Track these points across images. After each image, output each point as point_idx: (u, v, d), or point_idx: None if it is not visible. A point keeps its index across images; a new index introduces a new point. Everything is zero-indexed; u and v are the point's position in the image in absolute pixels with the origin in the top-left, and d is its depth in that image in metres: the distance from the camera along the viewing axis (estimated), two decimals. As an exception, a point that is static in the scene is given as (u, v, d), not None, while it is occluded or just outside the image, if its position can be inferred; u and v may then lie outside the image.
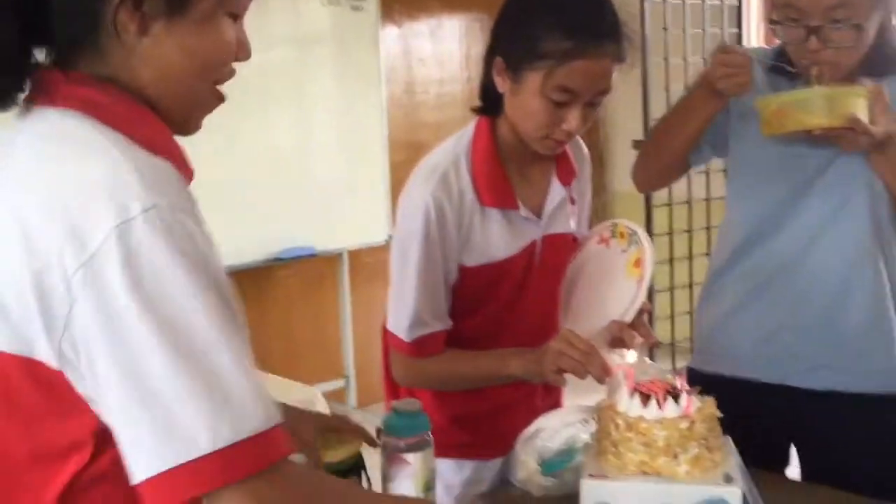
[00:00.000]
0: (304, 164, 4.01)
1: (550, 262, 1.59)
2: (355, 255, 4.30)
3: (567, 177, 1.61)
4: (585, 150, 1.71)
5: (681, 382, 1.27)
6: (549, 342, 1.45)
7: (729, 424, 1.29)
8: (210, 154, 3.58)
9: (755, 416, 1.60)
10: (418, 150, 4.74)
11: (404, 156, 4.51)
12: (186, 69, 0.89)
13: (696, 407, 1.23)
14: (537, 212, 1.57)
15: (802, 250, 1.63)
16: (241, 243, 3.71)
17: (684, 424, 1.20)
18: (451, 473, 1.60)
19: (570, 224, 1.64)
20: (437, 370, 1.56)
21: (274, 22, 3.83)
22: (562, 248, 1.61)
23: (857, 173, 1.59)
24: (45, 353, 0.78)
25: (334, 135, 4.06)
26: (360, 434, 1.33)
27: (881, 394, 1.63)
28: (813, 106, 1.51)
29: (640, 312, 1.50)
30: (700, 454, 1.20)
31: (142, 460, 0.76)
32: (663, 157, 1.76)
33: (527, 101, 1.44)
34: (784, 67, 1.62)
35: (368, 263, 4.44)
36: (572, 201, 1.64)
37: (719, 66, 1.58)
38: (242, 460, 0.76)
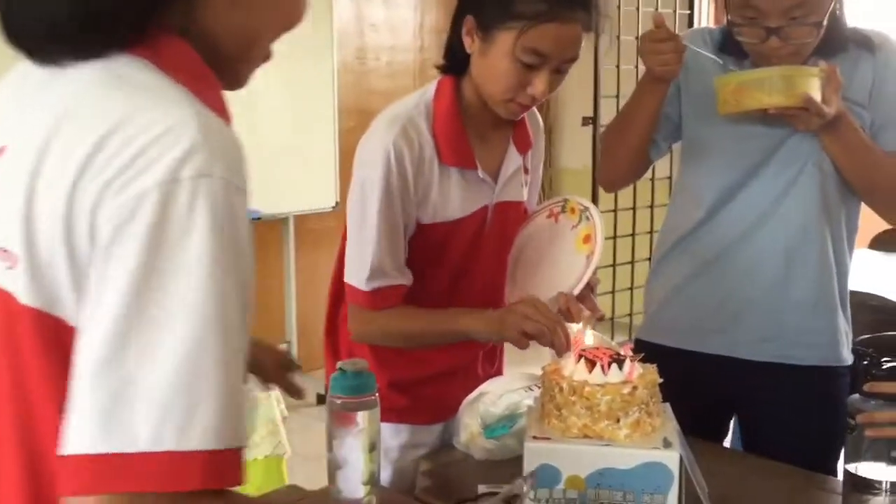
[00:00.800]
0: (252, 127, 3.96)
1: (501, 229, 1.60)
2: (302, 219, 4.28)
3: (523, 145, 1.62)
4: (541, 122, 1.72)
5: (625, 350, 1.30)
6: (514, 304, 1.45)
7: (672, 395, 1.32)
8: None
9: (698, 387, 1.64)
10: (368, 117, 4.63)
11: (354, 122, 4.48)
12: (267, 25, 0.87)
13: (639, 373, 1.27)
14: (493, 176, 1.58)
15: (751, 227, 1.67)
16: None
17: (626, 390, 1.23)
18: (389, 437, 1.59)
19: (523, 193, 1.65)
20: (392, 324, 1.54)
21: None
22: (512, 216, 1.63)
23: (807, 152, 1.63)
24: (67, 309, 0.72)
25: (283, 99, 4.01)
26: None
27: (822, 366, 1.69)
28: (770, 85, 1.54)
29: (587, 287, 1.52)
30: (640, 419, 1.23)
31: (77, 433, 0.68)
32: (623, 155, 1.77)
33: (495, 62, 1.44)
34: (734, 49, 1.66)
35: (315, 229, 4.42)
36: (525, 171, 1.65)
37: (648, 51, 1.60)
38: (179, 472, 0.68)
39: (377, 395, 1.22)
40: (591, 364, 1.26)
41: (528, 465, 1.22)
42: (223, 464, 0.69)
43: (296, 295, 4.23)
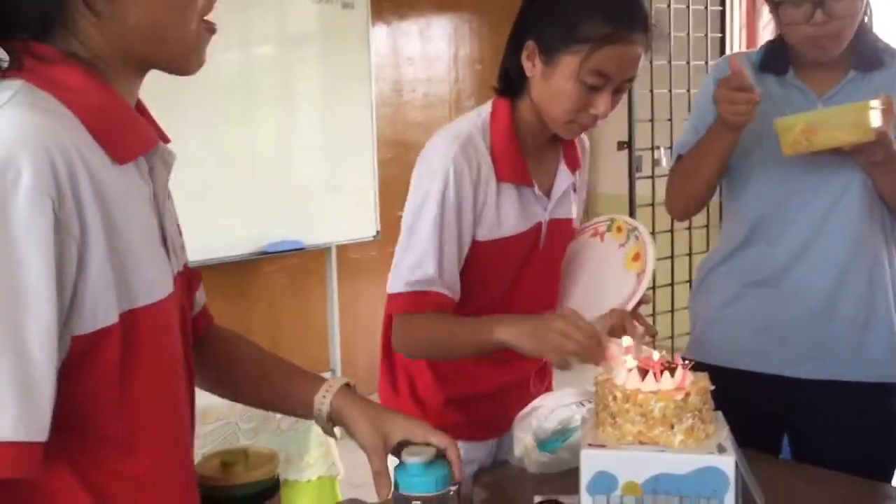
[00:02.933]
0: (294, 159, 4.05)
1: (552, 246, 1.64)
2: (343, 249, 4.34)
3: (573, 163, 1.67)
4: (588, 143, 1.77)
5: (675, 358, 1.32)
6: (549, 320, 1.44)
7: (722, 412, 1.34)
8: (202, 148, 3.64)
9: (748, 406, 1.65)
10: (406, 149, 4.84)
11: (392, 153, 4.56)
12: (166, 14, 0.89)
13: (691, 380, 1.29)
14: (546, 193, 1.62)
15: (800, 245, 1.69)
16: (229, 237, 3.75)
17: (679, 396, 1.25)
18: None
19: (573, 210, 1.70)
20: (431, 329, 1.53)
21: (265, 19, 3.88)
22: (563, 234, 1.67)
23: (851, 165, 1.64)
24: None
25: (323, 132, 4.11)
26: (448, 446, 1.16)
27: (875, 382, 1.68)
28: (844, 122, 1.55)
29: (638, 305, 1.55)
30: (694, 425, 1.25)
31: None
32: (694, 193, 1.81)
33: (559, 85, 1.48)
34: (775, 63, 1.69)
35: (356, 259, 4.48)
36: (574, 189, 1.70)
37: (723, 100, 1.62)
38: None
39: (455, 489, 1.10)
40: (644, 372, 1.29)
41: (585, 473, 1.25)
42: (17, 455, 0.76)
43: (339, 324, 4.29)
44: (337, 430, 2.44)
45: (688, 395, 1.26)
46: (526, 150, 1.59)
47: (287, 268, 4.29)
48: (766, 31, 4.66)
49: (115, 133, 0.87)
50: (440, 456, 1.09)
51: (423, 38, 4.82)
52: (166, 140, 0.98)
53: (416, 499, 1.05)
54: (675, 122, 4.08)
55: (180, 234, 1.08)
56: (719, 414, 1.35)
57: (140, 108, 0.98)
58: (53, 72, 0.84)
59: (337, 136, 4.12)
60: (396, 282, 1.54)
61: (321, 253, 4.23)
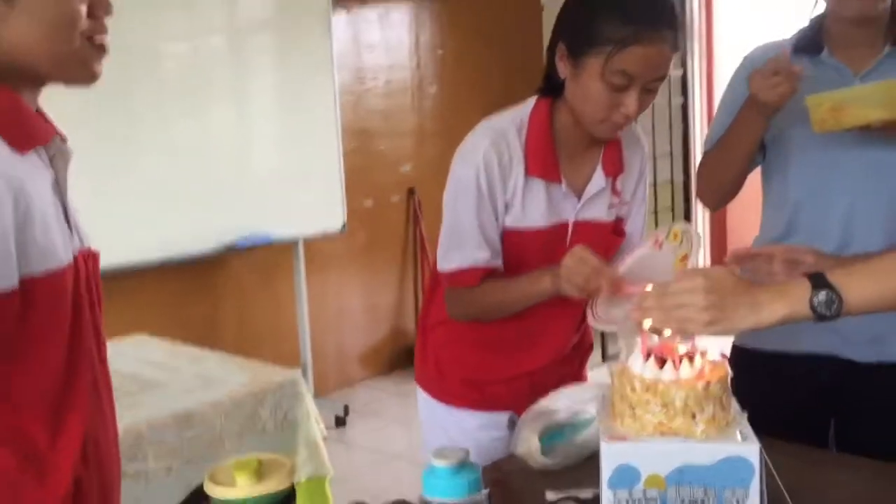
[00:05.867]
0: (255, 152, 3.97)
1: (581, 244, 1.64)
2: (310, 243, 4.27)
3: (612, 168, 1.68)
4: (646, 146, 1.77)
5: (691, 346, 1.29)
6: (564, 259, 1.52)
7: (769, 400, 1.31)
8: (166, 144, 3.55)
9: (794, 390, 1.63)
10: (368, 137, 4.77)
11: (355, 143, 4.49)
12: (45, 35, 1.00)
13: (710, 368, 1.26)
14: (578, 194, 1.65)
15: (840, 221, 1.68)
16: (196, 232, 3.67)
17: (701, 384, 1.22)
18: (467, 418, 1.74)
19: (609, 213, 1.70)
20: (480, 295, 1.65)
21: (220, 7, 3.80)
22: (595, 234, 1.67)
23: (884, 148, 1.63)
24: None
25: (285, 123, 4.03)
26: None
27: None
28: (873, 100, 1.55)
29: None
30: (716, 413, 1.23)
31: None
32: (727, 180, 1.80)
33: (587, 85, 1.52)
34: (809, 45, 1.70)
35: (324, 251, 4.41)
36: (616, 193, 1.70)
37: (760, 84, 1.60)
38: None
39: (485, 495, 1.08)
40: (662, 361, 1.25)
41: (607, 467, 1.22)
42: None
43: (308, 318, 4.22)
44: (324, 427, 2.40)
45: (708, 383, 1.23)
46: (561, 150, 1.63)
47: (254, 263, 4.20)
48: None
49: (15, 128, 1.00)
50: (468, 461, 1.04)
51: (382, 25, 4.75)
52: (63, 137, 1.10)
53: (448, 504, 1.00)
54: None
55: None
56: (735, 403, 1.32)
57: (39, 113, 1.10)
58: None
59: (300, 128, 4.05)
60: (447, 262, 1.65)
61: (288, 247, 4.15)
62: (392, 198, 4.80)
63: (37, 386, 1.00)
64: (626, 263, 1.65)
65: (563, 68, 1.56)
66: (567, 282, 1.51)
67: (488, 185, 1.59)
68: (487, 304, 1.66)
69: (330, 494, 2.32)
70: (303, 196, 4.03)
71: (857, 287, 1.20)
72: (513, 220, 1.62)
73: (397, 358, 4.76)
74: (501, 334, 1.72)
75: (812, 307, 1.18)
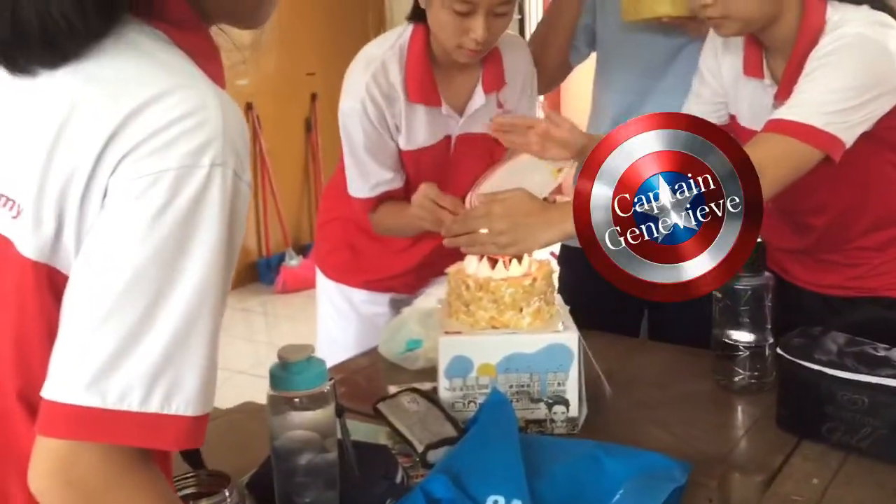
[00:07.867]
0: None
1: (466, 156, 1.78)
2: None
3: (492, 83, 1.76)
4: (530, 58, 1.82)
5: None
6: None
7: (590, 294, 1.46)
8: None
9: (614, 286, 1.73)
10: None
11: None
12: None
13: (536, 266, 1.39)
14: (459, 112, 1.75)
15: None
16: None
17: (527, 281, 1.35)
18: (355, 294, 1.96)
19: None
20: (382, 219, 1.81)
21: None
22: (479, 147, 1.77)
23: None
24: (63, 261, 0.75)
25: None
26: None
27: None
28: None
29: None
30: (541, 307, 1.36)
31: (67, 381, 0.72)
32: (549, 62, 1.88)
33: (436, 14, 1.60)
34: None
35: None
36: (500, 105, 1.78)
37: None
38: (156, 432, 0.73)
39: (332, 386, 1.10)
40: (493, 262, 1.37)
41: (443, 357, 1.33)
42: (195, 428, 0.75)
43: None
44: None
45: (535, 279, 1.35)
46: (439, 73, 1.72)
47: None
48: None
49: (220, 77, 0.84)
50: (313, 356, 1.10)
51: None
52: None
53: (295, 397, 1.07)
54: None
55: None
56: (558, 296, 1.46)
57: None
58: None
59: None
60: (358, 190, 1.78)
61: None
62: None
63: None
64: (496, 174, 1.71)
65: None
66: (419, 220, 1.60)
67: (377, 116, 1.68)
68: (387, 227, 1.82)
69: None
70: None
71: None
72: (404, 143, 1.73)
73: (239, 276, 4.76)
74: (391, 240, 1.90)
75: None
